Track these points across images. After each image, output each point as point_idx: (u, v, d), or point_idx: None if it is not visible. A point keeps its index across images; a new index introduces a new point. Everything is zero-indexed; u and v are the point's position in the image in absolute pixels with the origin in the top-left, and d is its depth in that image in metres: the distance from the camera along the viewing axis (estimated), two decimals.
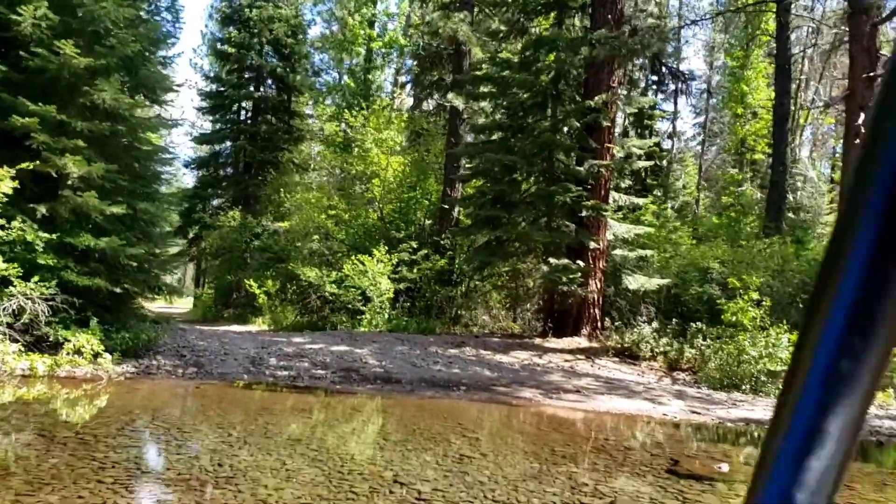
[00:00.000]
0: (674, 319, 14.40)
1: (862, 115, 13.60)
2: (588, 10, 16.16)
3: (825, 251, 0.40)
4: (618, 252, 15.79)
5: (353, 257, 17.42)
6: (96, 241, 9.59)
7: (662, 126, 31.35)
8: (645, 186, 24.41)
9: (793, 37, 27.26)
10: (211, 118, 28.65)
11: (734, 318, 12.33)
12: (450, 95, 19.08)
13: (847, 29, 14.55)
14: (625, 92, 17.20)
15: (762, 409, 9.88)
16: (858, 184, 0.38)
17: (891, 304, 0.37)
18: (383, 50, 33.32)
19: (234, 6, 26.16)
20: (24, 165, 9.30)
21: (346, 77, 33.67)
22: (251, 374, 10.07)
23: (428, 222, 20.93)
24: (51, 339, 9.20)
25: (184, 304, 31.42)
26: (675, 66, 23.06)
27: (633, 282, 15.17)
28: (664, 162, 27.79)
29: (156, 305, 18.66)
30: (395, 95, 33.36)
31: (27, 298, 8.93)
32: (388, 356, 11.82)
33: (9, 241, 9.23)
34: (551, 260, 14.14)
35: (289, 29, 25.91)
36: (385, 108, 27.74)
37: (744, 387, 11.45)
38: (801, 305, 17.19)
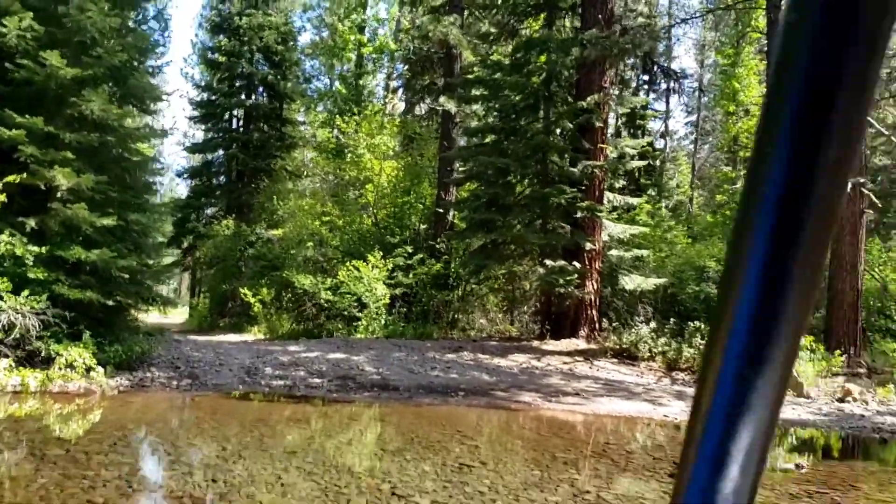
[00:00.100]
0: (671, 319, 14.33)
1: None
2: (578, 11, 16.12)
3: (725, 258, 0.41)
4: (613, 253, 15.72)
5: (348, 263, 17.30)
6: (87, 253, 9.46)
7: (654, 126, 31.34)
8: (639, 186, 24.36)
9: None
10: (203, 127, 28.51)
11: None
12: (442, 99, 18.99)
13: None
14: (617, 92, 17.14)
15: None
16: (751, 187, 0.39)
17: (789, 308, 0.38)
18: (374, 55, 33.25)
19: (223, 15, 26.05)
20: (11, 178, 9.18)
21: (337, 83, 33.56)
22: (246, 384, 9.95)
23: (423, 227, 20.83)
24: (43, 354, 9.07)
25: (179, 315, 31.21)
26: (666, 65, 23.01)
27: (630, 282, 15.10)
28: (657, 161, 27.76)
29: (151, 317, 18.53)
30: (386, 100, 33.26)
31: (17, 313, 8.80)
32: (384, 363, 11.72)
33: None
34: (547, 262, 14.06)
35: (279, 36, 25.81)
36: (377, 113, 27.64)
37: None
38: None
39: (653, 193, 25.33)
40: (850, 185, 13.80)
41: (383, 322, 16.75)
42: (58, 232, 9.72)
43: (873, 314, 16.55)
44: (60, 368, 8.97)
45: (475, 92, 16.93)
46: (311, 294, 17.52)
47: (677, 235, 20.56)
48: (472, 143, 17.58)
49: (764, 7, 24.22)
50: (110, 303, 9.89)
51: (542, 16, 16.90)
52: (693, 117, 35.67)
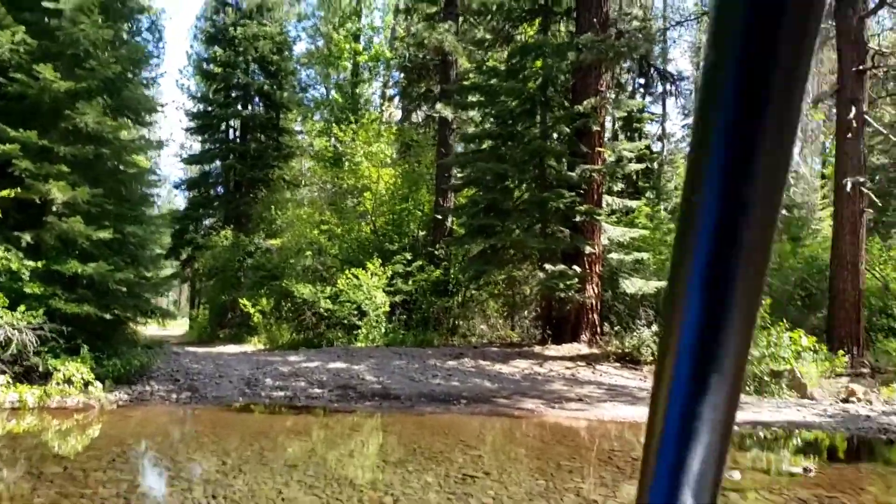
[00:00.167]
0: None
1: (853, 109, 13.54)
2: (573, 16, 16.09)
3: (671, 256, 0.41)
4: (613, 256, 15.66)
5: (347, 272, 17.23)
6: (83, 267, 9.39)
7: (651, 128, 31.30)
8: (637, 189, 24.30)
9: None
10: (199, 138, 28.49)
11: None
12: (438, 106, 18.95)
13: (833, 24, 14.51)
14: (613, 96, 17.10)
15: (768, 410, 9.72)
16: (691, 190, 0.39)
17: (735, 306, 0.38)
18: (370, 63, 33.23)
19: (218, 26, 26.05)
20: (6, 193, 9.12)
21: (333, 92, 33.55)
22: (247, 396, 9.87)
23: (421, 233, 20.77)
24: (40, 369, 8.99)
25: (179, 326, 31.14)
26: (662, 67, 23.00)
27: (631, 285, 15.02)
28: (655, 164, 27.71)
29: (150, 329, 18.45)
30: (383, 108, 33.23)
31: (14, 329, 8.72)
32: (385, 371, 11.63)
33: None
34: (547, 266, 14.00)
35: (274, 46, 25.81)
36: (374, 121, 27.61)
37: (747, 388, 11.29)
38: (800, 303, 17.13)
39: (651, 196, 25.25)
40: (849, 185, 13.77)
41: (383, 330, 16.67)
42: (54, 246, 9.66)
43: (875, 313, 16.46)
44: (58, 384, 8.89)
45: (471, 98, 16.90)
46: (311, 303, 17.44)
47: None
48: (469, 149, 17.54)
49: None
50: (108, 316, 9.81)
51: (537, 21, 16.88)
52: (690, 119, 35.63)
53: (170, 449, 6.76)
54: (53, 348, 9.16)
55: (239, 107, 26.23)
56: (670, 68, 27.33)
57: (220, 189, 27.22)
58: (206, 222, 27.06)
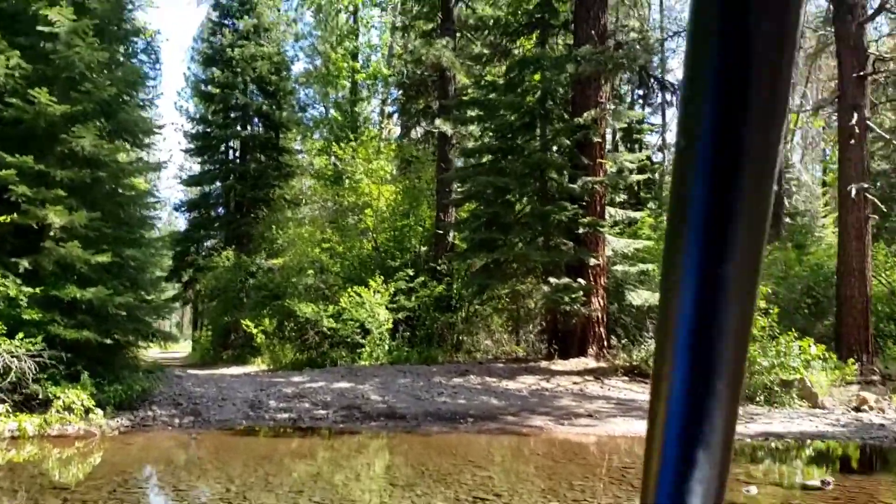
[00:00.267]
0: None
1: (855, 115, 13.46)
2: (570, 28, 16.07)
3: (663, 259, 0.41)
4: (618, 268, 15.54)
5: (349, 289, 17.10)
6: (82, 292, 9.27)
7: (651, 139, 31.27)
8: (639, 200, 24.22)
9: None
10: (199, 159, 28.46)
11: None
12: (437, 122, 18.90)
13: (832, 30, 14.46)
14: (612, 107, 17.06)
15: (780, 421, 9.56)
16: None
17: (729, 306, 0.38)
18: (368, 81, 33.28)
19: (215, 47, 26.08)
20: (3, 218, 9.03)
21: (332, 110, 33.58)
22: (250, 418, 9.72)
23: (423, 249, 20.66)
24: (40, 397, 8.84)
25: (182, 349, 31.01)
26: (662, 77, 23.00)
27: (637, 297, 14.89)
28: (656, 175, 27.65)
29: (153, 352, 18.33)
30: (382, 125, 33.26)
31: (13, 356, 8.58)
32: (390, 390, 11.48)
33: None
34: (551, 279, 13.87)
35: (272, 66, 25.82)
36: (373, 138, 27.60)
37: (758, 398, 11.14)
38: (807, 311, 16.96)
39: (654, 207, 25.16)
40: (854, 191, 13.66)
41: (387, 348, 16.51)
42: (52, 271, 9.54)
43: (882, 320, 16.30)
44: (58, 411, 8.73)
45: (470, 113, 16.87)
46: (314, 322, 17.29)
47: None
48: (469, 163, 17.48)
49: None
50: (108, 341, 9.68)
51: (535, 34, 16.87)
52: None
53: (172, 476, 6.61)
54: (53, 375, 9.01)
55: (238, 127, 26.21)
56: (669, 78, 27.34)
57: (220, 210, 27.16)
58: (208, 243, 26.97)
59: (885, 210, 17.54)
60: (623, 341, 14.91)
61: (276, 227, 23.54)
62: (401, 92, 27.38)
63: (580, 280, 13.95)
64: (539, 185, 15.26)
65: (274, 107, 25.87)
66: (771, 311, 11.95)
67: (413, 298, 17.32)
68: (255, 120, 26.58)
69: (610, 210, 16.01)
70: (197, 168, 30.33)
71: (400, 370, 13.93)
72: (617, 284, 15.58)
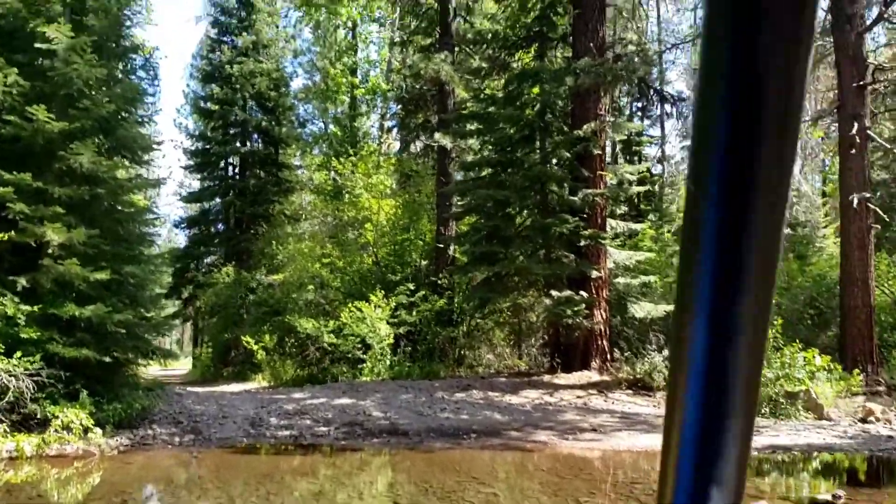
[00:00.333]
0: None
1: (855, 125, 13.44)
2: (569, 41, 16.10)
3: (679, 266, 0.41)
4: (620, 280, 15.46)
5: (350, 304, 17.02)
6: (81, 309, 9.19)
7: (651, 151, 31.29)
8: (640, 212, 24.19)
9: None
10: (198, 176, 28.45)
11: None
12: (436, 136, 18.88)
13: (831, 40, 14.47)
14: (612, 119, 17.05)
15: (786, 434, 9.46)
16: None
17: (746, 303, 0.38)
18: (367, 96, 33.35)
19: (214, 63, 26.15)
20: (1, 236, 8.96)
21: (332, 126, 33.64)
22: (251, 436, 9.61)
23: (424, 263, 20.60)
24: (38, 417, 8.74)
25: (182, 366, 30.86)
26: (661, 89, 23.04)
27: (640, 310, 14.81)
28: (657, 186, 27.65)
29: (153, 370, 18.22)
30: (381, 140, 33.30)
31: (11, 375, 8.49)
32: (392, 406, 11.37)
33: None
34: (553, 292, 13.79)
35: (271, 82, 25.88)
36: (373, 153, 27.62)
37: (763, 410, 11.03)
38: (810, 322, 16.86)
39: (654, 218, 25.14)
40: (856, 201, 13.61)
41: (388, 363, 16.40)
42: (50, 289, 9.45)
43: (886, 330, 16.20)
44: (57, 431, 8.63)
45: (470, 126, 16.87)
46: (315, 338, 17.19)
47: None
48: (469, 177, 17.46)
49: None
50: (107, 359, 9.58)
51: (533, 48, 16.89)
52: (688, 142, 35.62)
53: (172, 496, 6.51)
54: (52, 394, 8.91)
55: (237, 143, 26.23)
56: (668, 90, 27.41)
57: (220, 226, 27.12)
58: (208, 260, 26.91)
59: (886, 220, 17.47)
60: (626, 354, 14.80)
61: (276, 242, 23.48)
62: (400, 106, 27.42)
63: (582, 293, 13.87)
64: (539, 198, 15.22)
65: (273, 123, 25.90)
66: (774, 322, 11.87)
67: (414, 313, 17.23)
68: (255, 136, 26.61)
69: (611, 222, 15.95)
70: (196, 185, 30.31)
71: (402, 385, 13.82)
72: (619, 297, 15.50)
